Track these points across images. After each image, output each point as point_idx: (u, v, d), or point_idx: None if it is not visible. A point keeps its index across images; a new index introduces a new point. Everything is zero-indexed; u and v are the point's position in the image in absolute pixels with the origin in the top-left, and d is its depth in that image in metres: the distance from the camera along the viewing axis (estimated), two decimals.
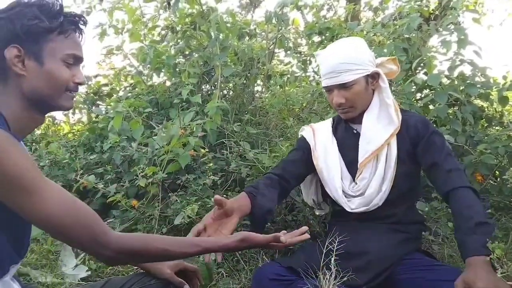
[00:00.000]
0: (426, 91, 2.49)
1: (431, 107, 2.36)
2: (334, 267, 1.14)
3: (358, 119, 1.49)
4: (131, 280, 1.14)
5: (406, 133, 1.44)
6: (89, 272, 1.73)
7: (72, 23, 0.95)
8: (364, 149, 1.45)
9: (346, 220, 1.50)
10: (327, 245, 1.22)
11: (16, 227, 0.90)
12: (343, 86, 1.41)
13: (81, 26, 0.98)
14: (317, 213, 1.80)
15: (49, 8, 0.92)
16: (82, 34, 0.99)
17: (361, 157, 1.46)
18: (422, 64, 2.44)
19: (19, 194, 0.81)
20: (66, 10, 0.96)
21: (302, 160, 1.54)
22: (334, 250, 1.19)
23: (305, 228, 1.14)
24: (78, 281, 1.73)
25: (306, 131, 1.61)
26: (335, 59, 1.41)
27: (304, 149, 1.57)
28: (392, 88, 2.35)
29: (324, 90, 1.51)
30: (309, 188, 1.69)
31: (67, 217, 0.84)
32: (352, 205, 1.47)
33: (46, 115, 1.04)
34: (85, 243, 0.87)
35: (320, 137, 1.57)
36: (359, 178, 1.47)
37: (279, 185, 1.47)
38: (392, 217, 1.46)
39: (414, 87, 2.39)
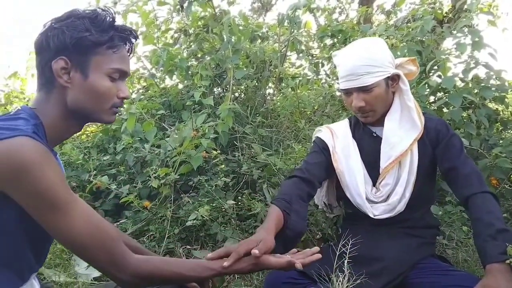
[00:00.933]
0: (440, 94, 2.46)
1: (445, 110, 2.34)
2: (347, 270, 1.13)
3: (377, 121, 1.44)
4: None
5: (426, 136, 1.41)
6: None
7: (122, 39, 0.95)
8: (387, 155, 1.41)
9: (360, 224, 1.47)
10: (340, 247, 1.21)
11: (40, 238, 0.91)
12: (363, 89, 1.36)
13: (132, 41, 0.98)
14: (328, 215, 1.79)
15: (101, 21, 0.92)
16: (131, 48, 0.99)
17: (383, 163, 1.42)
18: (436, 67, 2.42)
19: (47, 210, 0.82)
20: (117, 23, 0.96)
21: (324, 163, 1.48)
22: (347, 253, 1.17)
23: (316, 248, 1.13)
24: (91, 280, 1.75)
25: (324, 133, 1.55)
26: (355, 61, 1.35)
27: (323, 151, 1.50)
28: None
29: (342, 93, 1.46)
30: (320, 191, 1.66)
31: (90, 239, 0.85)
32: (376, 212, 1.42)
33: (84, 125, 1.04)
34: (104, 266, 0.89)
35: (340, 139, 1.51)
36: (381, 184, 1.42)
37: (307, 195, 1.40)
38: (409, 221, 1.43)
39: (428, 89, 2.36)
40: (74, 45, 0.89)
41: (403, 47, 2.46)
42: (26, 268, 0.92)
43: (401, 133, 1.41)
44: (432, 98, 2.53)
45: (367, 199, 1.44)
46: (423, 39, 2.50)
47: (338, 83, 3.13)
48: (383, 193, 1.42)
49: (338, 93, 2.89)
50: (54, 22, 0.91)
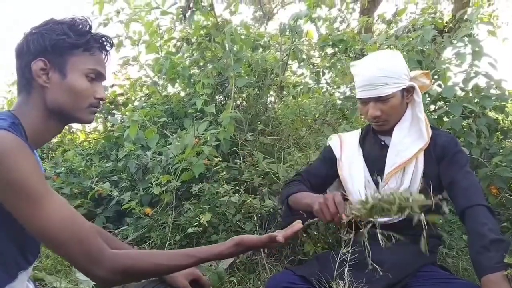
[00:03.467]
0: (440, 103, 2.48)
1: (445, 119, 2.35)
2: (348, 277, 1.13)
3: (389, 131, 1.48)
4: (146, 287, 1.14)
5: (433, 151, 1.43)
6: None
7: (97, 42, 1.00)
8: (392, 161, 1.44)
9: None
10: (340, 255, 1.21)
11: (24, 234, 0.90)
12: (381, 99, 1.40)
13: (107, 47, 1.03)
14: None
15: (78, 26, 0.97)
16: (107, 55, 1.03)
17: (388, 168, 1.45)
18: (436, 76, 2.43)
19: (21, 202, 0.82)
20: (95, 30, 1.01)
21: (323, 173, 1.59)
22: (348, 260, 1.18)
23: (298, 221, 1.11)
24: (92, 287, 1.75)
25: (334, 141, 1.62)
26: (373, 71, 1.40)
27: (329, 160, 1.58)
28: None
29: (359, 101, 1.50)
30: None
31: (63, 232, 0.84)
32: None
33: (65, 126, 1.06)
34: (78, 260, 0.86)
35: (347, 148, 1.57)
36: (384, 188, 1.44)
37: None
38: (411, 229, 1.44)
39: (429, 98, 2.38)
40: (52, 47, 0.93)
41: (403, 57, 2.48)
42: (14, 265, 0.92)
43: (407, 142, 1.44)
44: (432, 107, 2.55)
45: None
46: (424, 49, 2.52)
47: (339, 92, 3.17)
48: None
49: (339, 102, 2.91)
50: (33, 28, 0.96)
